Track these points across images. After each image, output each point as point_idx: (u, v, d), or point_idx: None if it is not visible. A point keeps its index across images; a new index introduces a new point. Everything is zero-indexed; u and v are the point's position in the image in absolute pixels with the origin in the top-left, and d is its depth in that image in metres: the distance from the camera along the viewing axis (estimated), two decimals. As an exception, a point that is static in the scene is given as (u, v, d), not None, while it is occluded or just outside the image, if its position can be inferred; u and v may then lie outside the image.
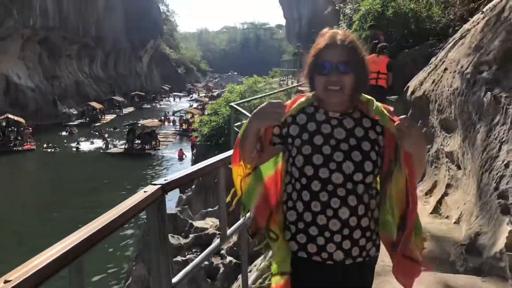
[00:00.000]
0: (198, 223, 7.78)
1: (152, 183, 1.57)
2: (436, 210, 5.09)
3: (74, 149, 34.15)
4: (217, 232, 6.46)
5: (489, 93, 4.18)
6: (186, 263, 6.20)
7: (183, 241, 6.93)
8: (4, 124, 34.34)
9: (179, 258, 6.43)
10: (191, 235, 7.07)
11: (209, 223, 7.68)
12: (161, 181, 1.62)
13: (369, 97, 1.66)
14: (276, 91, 12.49)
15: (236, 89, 14.26)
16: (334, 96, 1.59)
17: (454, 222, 4.50)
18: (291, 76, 19.52)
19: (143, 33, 68.96)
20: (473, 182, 4.26)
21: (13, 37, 40.75)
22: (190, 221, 7.91)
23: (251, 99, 10.81)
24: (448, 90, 5.43)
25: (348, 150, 1.58)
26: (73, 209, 19.14)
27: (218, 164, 2.09)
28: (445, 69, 5.90)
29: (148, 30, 70.19)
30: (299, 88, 11.94)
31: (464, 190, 4.62)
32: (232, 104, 8.29)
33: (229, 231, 2.20)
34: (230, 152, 2.17)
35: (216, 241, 2.25)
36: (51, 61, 48.31)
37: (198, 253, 6.55)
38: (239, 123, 7.94)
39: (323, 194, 1.57)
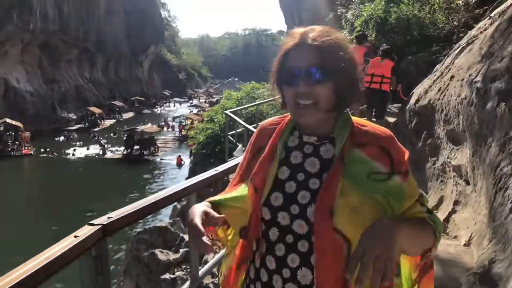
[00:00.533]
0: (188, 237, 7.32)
1: (90, 222, 1.21)
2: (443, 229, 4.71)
3: (70, 155, 33.81)
4: (185, 275, 5.87)
5: (502, 103, 3.82)
6: (174, 282, 5.82)
7: (172, 256, 6.55)
8: (2, 128, 34.06)
9: (167, 276, 6.04)
10: (181, 250, 6.68)
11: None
12: (104, 219, 1.25)
13: (350, 118, 1.27)
14: (274, 97, 12.14)
15: (233, 96, 13.89)
16: (305, 113, 1.19)
17: (464, 244, 4.13)
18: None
19: (144, 38, 68.83)
20: (484, 200, 3.89)
21: (12, 41, 40.54)
22: (181, 234, 7.50)
23: (247, 106, 10.46)
24: (456, 99, 5.07)
25: (318, 189, 1.18)
26: (64, 217, 18.75)
27: (190, 189, 1.71)
28: (452, 76, 5.56)
29: (149, 35, 70.07)
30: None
31: (474, 208, 4.25)
32: (227, 112, 7.94)
33: (201, 271, 1.83)
34: (202, 176, 1.82)
35: (186, 285, 1.86)
36: (51, 65, 48.08)
37: (188, 270, 6.17)
38: (233, 132, 7.63)
39: (279, 247, 1.20)
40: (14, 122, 33.98)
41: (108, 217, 1.26)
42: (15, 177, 29.25)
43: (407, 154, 1.23)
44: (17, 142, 33.95)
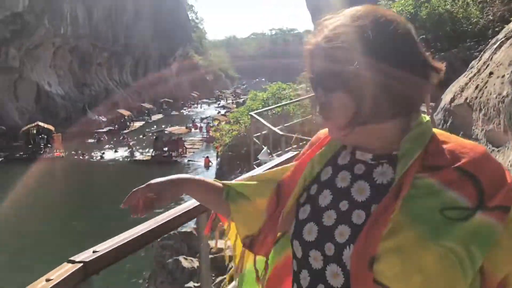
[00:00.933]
0: (213, 242, 7.14)
1: (70, 259, 1.00)
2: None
3: (98, 157, 34.26)
4: None
5: (550, 102, 3.47)
6: (198, 290, 5.65)
7: (196, 264, 6.38)
8: (34, 131, 34.83)
9: (191, 285, 5.88)
10: (206, 257, 6.52)
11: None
12: (88, 254, 1.04)
13: (429, 129, 0.94)
14: (301, 98, 11.86)
15: (258, 96, 13.65)
16: (329, 131, 0.97)
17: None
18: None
19: (172, 40, 69.49)
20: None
21: (44, 45, 41.49)
22: (206, 239, 7.29)
23: (273, 107, 10.21)
24: (496, 97, 4.71)
25: (362, 225, 0.89)
26: (95, 219, 18.92)
27: (197, 211, 1.49)
28: (491, 73, 5.19)
29: (177, 37, 70.70)
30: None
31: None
32: (252, 113, 7.72)
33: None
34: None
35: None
36: (82, 69, 49.02)
37: (213, 278, 6.00)
38: (258, 134, 7.41)
39: None
40: (46, 125, 34.71)
41: (94, 251, 1.05)
42: (46, 179, 29.83)
43: (509, 180, 0.86)
44: (49, 145, 34.67)
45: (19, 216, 20.63)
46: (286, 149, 6.78)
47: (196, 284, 5.88)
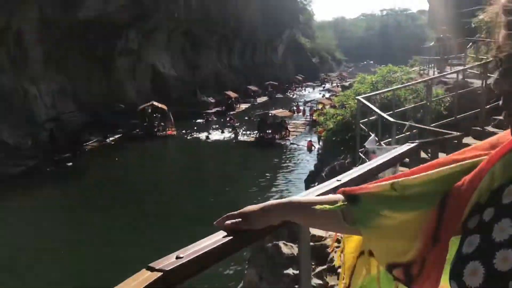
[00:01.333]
0: (315, 230, 6.95)
1: (149, 265, 0.86)
2: None
3: (204, 137, 35.65)
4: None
5: None
6: (296, 278, 5.52)
7: (296, 250, 6.26)
8: (149, 110, 37.25)
9: (290, 271, 5.78)
10: (306, 244, 6.33)
11: (330, 232, 6.76)
12: (170, 260, 0.88)
13: None
14: (414, 82, 11.05)
15: (367, 80, 12.99)
16: None
17: None
18: (432, 65, 17.60)
19: (280, 23, 69.65)
20: None
21: (160, 29, 43.95)
22: (307, 226, 7.09)
23: (383, 92, 9.61)
24: None
25: None
26: (204, 194, 19.76)
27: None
28: None
29: (285, 20, 70.72)
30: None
31: None
32: (359, 97, 7.30)
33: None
34: (319, 189, 1.40)
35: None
36: (193, 52, 51.22)
37: (313, 267, 5.81)
38: (365, 119, 6.99)
39: None
40: (160, 105, 36.89)
41: (177, 257, 0.89)
42: (160, 155, 31.93)
43: None
44: (162, 124, 36.89)
45: (138, 190, 22.32)
46: (397, 137, 6.31)
47: (295, 272, 5.77)
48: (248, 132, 36.40)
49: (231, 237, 0.96)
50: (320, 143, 23.12)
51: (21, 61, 30.06)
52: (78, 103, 35.06)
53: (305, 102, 52.51)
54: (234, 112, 47.23)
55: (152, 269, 0.84)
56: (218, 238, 0.96)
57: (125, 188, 21.91)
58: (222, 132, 36.96)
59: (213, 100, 49.86)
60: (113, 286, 0.79)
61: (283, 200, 1.03)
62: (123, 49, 39.63)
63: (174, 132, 36.49)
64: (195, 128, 38.37)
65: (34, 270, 13.49)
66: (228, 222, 1.01)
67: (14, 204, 19.10)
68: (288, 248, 6.27)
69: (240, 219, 1.00)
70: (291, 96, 66.14)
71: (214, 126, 38.97)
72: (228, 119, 41.78)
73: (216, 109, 48.30)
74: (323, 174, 11.76)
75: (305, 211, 0.98)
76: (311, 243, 6.81)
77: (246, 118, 43.48)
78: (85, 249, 14.86)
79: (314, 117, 39.69)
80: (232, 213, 1.03)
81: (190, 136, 35.89)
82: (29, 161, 25.67)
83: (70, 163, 26.18)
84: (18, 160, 25.42)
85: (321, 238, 6.60)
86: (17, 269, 13.79)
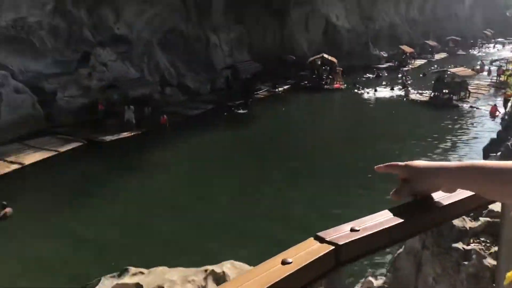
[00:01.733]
0: (496, 205, 6.05)
1: (318, 234, 0.67)
2: None
3: (372, 93, 34.24)
4: (481, 249, 4.74)
5: None
6: (467, 254, 4.94)
7: (469, 224, 5.58)
8: (319, 62, 37.18)
9: (459, 246, 5.20)
10: (482, 219, 5.58)
11: None
12: (341, 232, 0.68)
13: None
14: None
15: None
16: None
17: None
18: None
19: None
20: None
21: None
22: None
23: None
24: None
25: None
26: (368, 153, 19.22)
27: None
28: None
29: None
30: None
31: None
32: None
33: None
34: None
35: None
36: (369, 3, 48.92)
37: (488, 245, 5.14)
38: None
39: None
40: (330, 57, 36.49)
41: (352, 229, 0.69)
42: (324, 109, 31.94)
43: None
44: (330, 77, 36.59)
45: (301, 144, 22.86)
46: None
47: (465, 247, 5.17)
48: (420, 91, 33.93)
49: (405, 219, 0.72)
50: (508, 108, 20.35)
51: (205, 10, 32.39)
52: (252, 53, 36.69)
53: (492, 61, 46.64)
54: (407, 68, 44.43)
55: (321, 240, 0.65)
56: (390, 216, 0.72)
57: (289, 141, 22.51)
58: (392, 89, 35.11)
59: (385, 55, 47.57)
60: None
61: (470, 162, 0.82)
62: (298, 0, 39.73)
63: (342, 86, 35.98)
64: (364, 83, 37.18)
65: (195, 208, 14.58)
66: (381, 166, 0.92)
67: (194, 141, 21.38)
68: (459, 221, 5.61)
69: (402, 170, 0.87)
70: (476, 53, 59.46)
71: (384, 83, 37.24)
72: (400, 75, 39.49)
73: (388, 64, 46.03)
74: (509, 144, 10.28)
75: (503, 178, 0.77)
76: (488, 219, 6.03)
77: (420, 75, 40.55)
78: (240, 196, 15.78)
79: (501, 78, 35.09)
80: (397, 162, 0.90)
81: (358, 90, 34.92)
82: (207, 105, 28.18)
83: (243, 111, 27.81)
84: (198, 104, 28.16)
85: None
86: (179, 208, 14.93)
